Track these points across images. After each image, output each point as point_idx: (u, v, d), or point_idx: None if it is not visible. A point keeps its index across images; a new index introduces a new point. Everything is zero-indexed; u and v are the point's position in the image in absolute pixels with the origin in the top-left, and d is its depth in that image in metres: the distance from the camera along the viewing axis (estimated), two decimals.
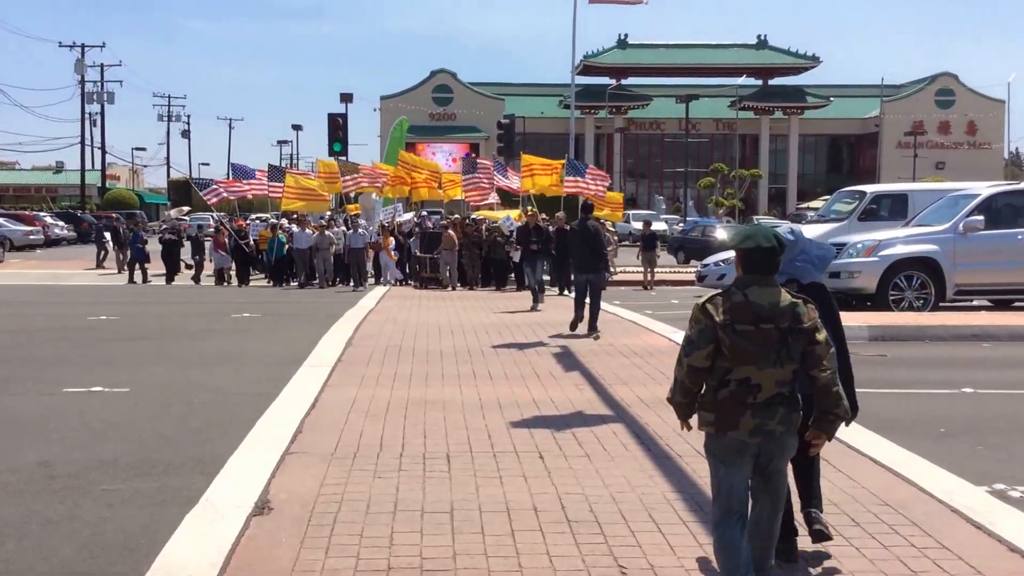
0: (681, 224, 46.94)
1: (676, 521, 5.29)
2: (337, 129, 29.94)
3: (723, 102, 73.11)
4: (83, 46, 66.32)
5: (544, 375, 9.93)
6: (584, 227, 13.72)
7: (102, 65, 69.47)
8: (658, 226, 46.02)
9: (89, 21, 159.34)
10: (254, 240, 25.34)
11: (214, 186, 27.43)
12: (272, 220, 27.86)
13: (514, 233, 21.07)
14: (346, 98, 39.88)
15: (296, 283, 23.73)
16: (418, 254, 23.90)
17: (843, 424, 4.38)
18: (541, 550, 4.81)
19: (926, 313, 15.10)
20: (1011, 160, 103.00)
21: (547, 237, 18.80)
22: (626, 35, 75.52)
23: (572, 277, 15.44)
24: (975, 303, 17.24)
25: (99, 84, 68.74)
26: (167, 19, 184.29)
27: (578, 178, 23.43)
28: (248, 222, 28.26)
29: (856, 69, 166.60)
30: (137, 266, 25.21)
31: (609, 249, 19.03)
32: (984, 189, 16.60)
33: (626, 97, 73.99)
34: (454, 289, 22.26)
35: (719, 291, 4.33)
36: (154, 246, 26.63)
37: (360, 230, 23.24)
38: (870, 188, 20.08)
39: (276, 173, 27.13)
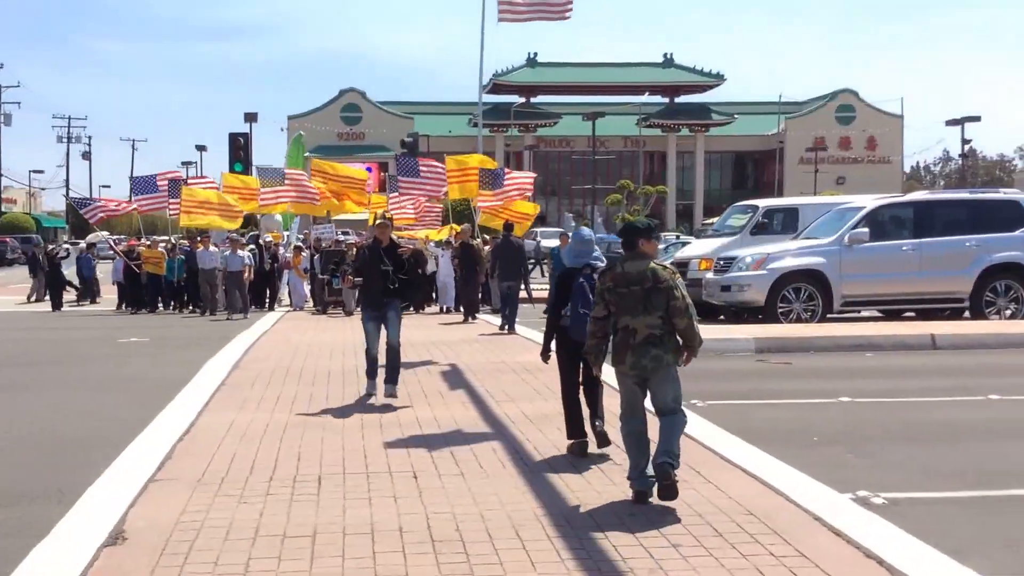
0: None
1: (542, 537, 5.26)
2: (238, 149, 29.36)
3: (631, 119, 74.08)
4: None
5: (432, 394, 9.87)
6: (508, 243, 15.12)
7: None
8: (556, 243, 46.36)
9: None
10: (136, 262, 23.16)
11: (93, 204, 25.77)
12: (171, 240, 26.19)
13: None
14: (251, 117, 39.37)
15: (197, 310, 21.98)
16: (319, 276, 21.83)
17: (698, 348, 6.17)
18: (401, 571, 4.74)
19: (813, 324, 15.46)
20: (911, 175, 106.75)
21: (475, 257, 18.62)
22: (535, 54, 76.07)
23: (498, 286, 16.96)
24: (865, 313, 17.74)
25: None
26: (77, 41, 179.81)
27: (496, 191, 21.31)
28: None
29: (760, 87, 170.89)
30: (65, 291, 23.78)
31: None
32: (869, 202, 17.08)
33: (535, 115, 74.44)
34: (351, 315, 19.94)
35: (610, 264, 6.35)
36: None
37: (240, 251, 21.20)
38: (762, 202, 20.52)
39: (175, 187, 24.95)
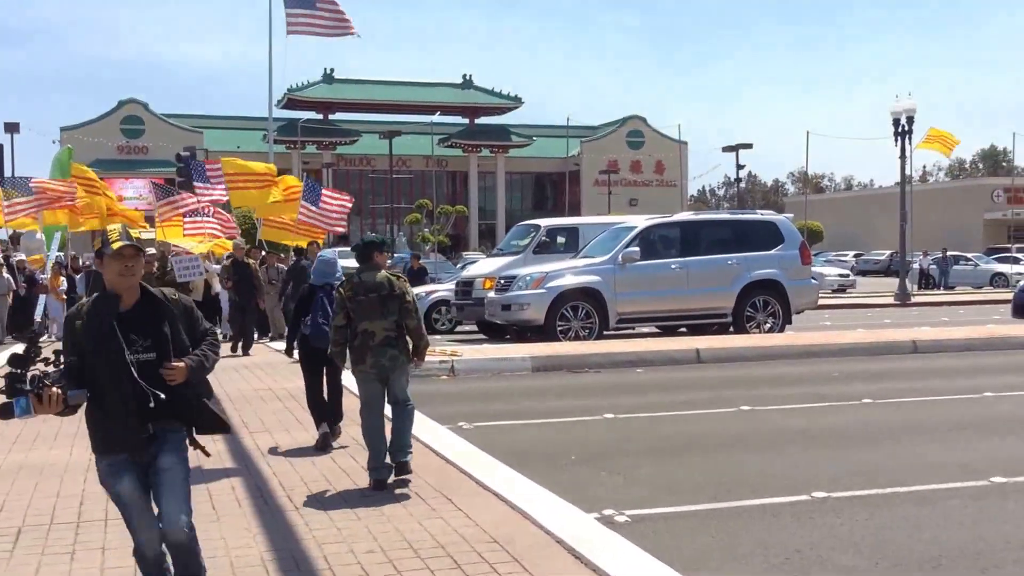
0: (389, 260, 46.79)
1: None
2: None
3: (432, 139, 74.40)
4: None
5: None
6: (301, 267, 14.81)
7: None
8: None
9: None
10: None
11: None
12: None
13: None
14: (11, 128, 36.83)
15: None
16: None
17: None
18: None
19: (590, 342, 15.67)
20: (699, 197, 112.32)
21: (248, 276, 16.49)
22: (332, 69, 75.04)
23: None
24: (644, 330, 18.20)
25: None
26: None
27: (312, 207, 19.73)
28: None
29: (557, 110, 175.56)
30: None
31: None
32: (640, 222, 17.58)
33: (334, 132, 73.45)
34: None
35: (347, 276, 7.18)
36: None
37: None
38: (543, 222, 20.78)
39: None
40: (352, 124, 74.62)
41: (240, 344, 16.02)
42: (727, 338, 16.36)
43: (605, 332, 16.53)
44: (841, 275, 40.75)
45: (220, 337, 18.17)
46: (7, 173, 34.47)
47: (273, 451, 8.09)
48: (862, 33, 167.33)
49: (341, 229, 21.17)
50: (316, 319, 8.08)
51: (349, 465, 7.49)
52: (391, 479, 6.83)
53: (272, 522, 6.00)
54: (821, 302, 28.86)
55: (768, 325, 17.47)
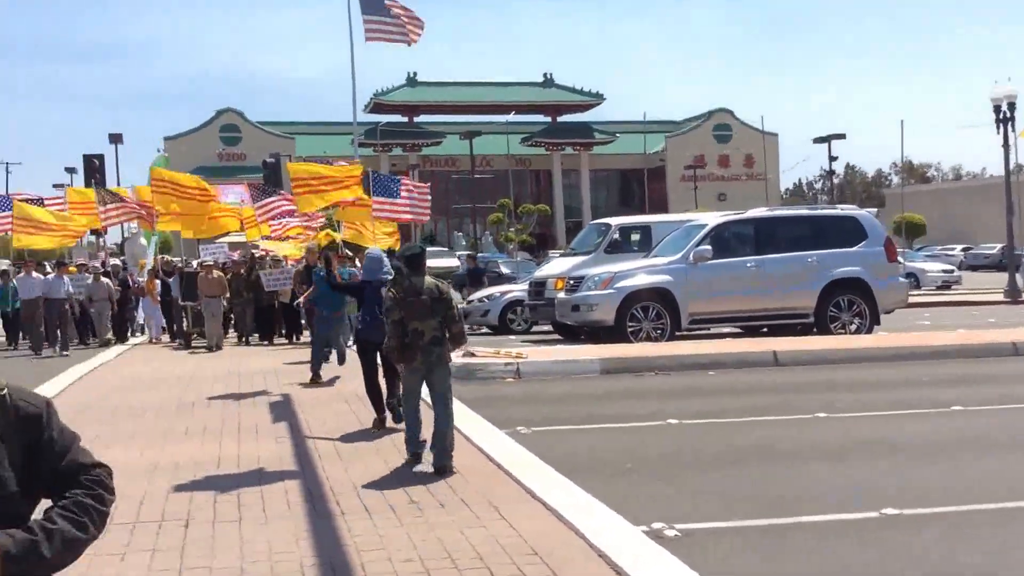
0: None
1: None
2: (93, 171, 28.37)
3: (515, 139, 74.45)
4: None
5: (247, 429, 9.34)
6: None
7: None
8: (452, 262, 45.93)
9: None
10: None
11: None
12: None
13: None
14: (115, 138, 38.14)
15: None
16: (180, 302, 19.56)
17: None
18: None
19: (661, 343, 15.36)
20: (794, 190, 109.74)
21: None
22: (415, 73, 75.76)
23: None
24: (725, 330, 17.82)
25: None
26: None
27: (389, 198, 18.70)
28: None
29: (639, 105, 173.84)
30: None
31: None
32: (713, 219, 17.17)
33: (419, 134, 74.15)
34: (219, 348, 18.07)
35: (396, 279, 7.86)
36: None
37: (65, 277, 19.04)
38: (615, 221, 20.48)
39: (4, 202, 22.64)
40: (436, 126, 75.19)
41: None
42: (808, 339, 15.83)
43: (677, 333, 16.21)
44: (945, 271, 39.29)
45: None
46: (112, 182, 35.77)
47: (329, 454, 8.12)
48: (961, 15, 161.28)
49: (426, 218, 19.79)
50: (369, 314, 9.07)
51: (401, 470, 7.47)
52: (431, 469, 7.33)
53: (317, 527, 6.00)
54: (922, 299, 27.91)
55: (854, 326, 16.87)
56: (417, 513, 6.24)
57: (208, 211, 21.42)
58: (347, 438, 8.74)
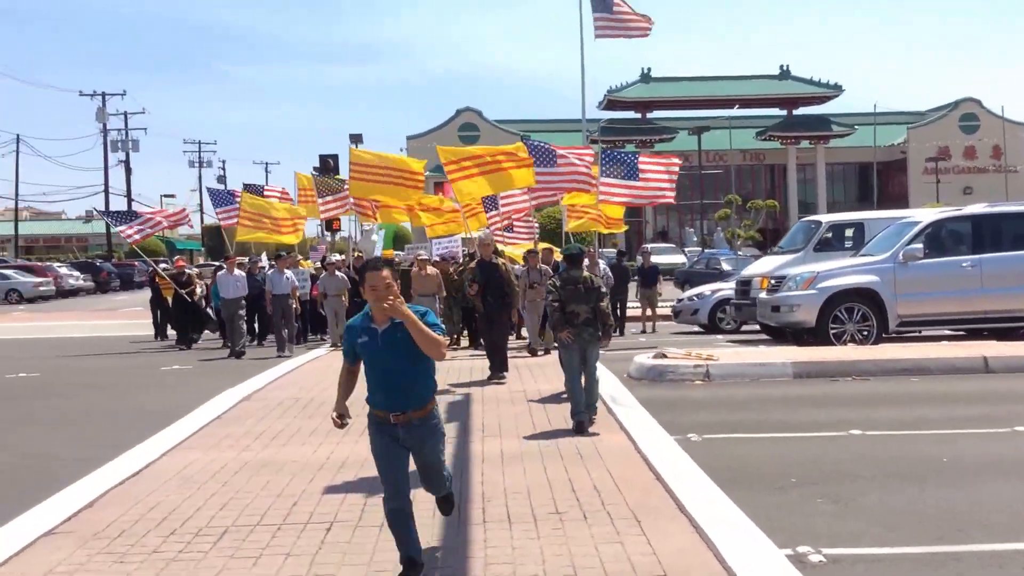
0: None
1: None
2: (328, 171, 29.69)
3: (749, 133, 72.53)
4: (104, 94, 67.79)
5: None
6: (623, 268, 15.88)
7: (125, 113, 71.01)
8: (677, 259, 45.24)
9: (115, 70, 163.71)
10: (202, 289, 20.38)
11: (141, 218, 21.90)
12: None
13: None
14: (355, 138, 39.99)
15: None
16: None
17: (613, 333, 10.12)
18: None
19: (862, 347, 14.36)
20: None
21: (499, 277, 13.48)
22: (649, 69, 75.19)
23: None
24: (947, 332, 16.55)
25: (123, 132, 70.00)
26: (212, 67, 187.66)
27: (623, 181, 16.57)
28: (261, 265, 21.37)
29: (878, 96, 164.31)
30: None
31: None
32: (928, 215, 15.96)
33: (651, 130, 73.62)
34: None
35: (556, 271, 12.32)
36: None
37: (288, 271, 18.12)
38: (825, 217, 19.48)
39: (228, 197, 22.86)
40: (668, 121, 74.35)
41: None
42: None
43: (885, 336, 15.16)
44: None
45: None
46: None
47: (493, 456, 8.12)
48: None
49: (670, 199, 17.53)
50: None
51: (558, 477, 7.34)
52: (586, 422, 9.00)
53: (454, 534, 6.02)
54: None
55: None
56: (557, 525, 6.13)
57: (410, 197, 19.97)
58: (515, 441, 8.71)
